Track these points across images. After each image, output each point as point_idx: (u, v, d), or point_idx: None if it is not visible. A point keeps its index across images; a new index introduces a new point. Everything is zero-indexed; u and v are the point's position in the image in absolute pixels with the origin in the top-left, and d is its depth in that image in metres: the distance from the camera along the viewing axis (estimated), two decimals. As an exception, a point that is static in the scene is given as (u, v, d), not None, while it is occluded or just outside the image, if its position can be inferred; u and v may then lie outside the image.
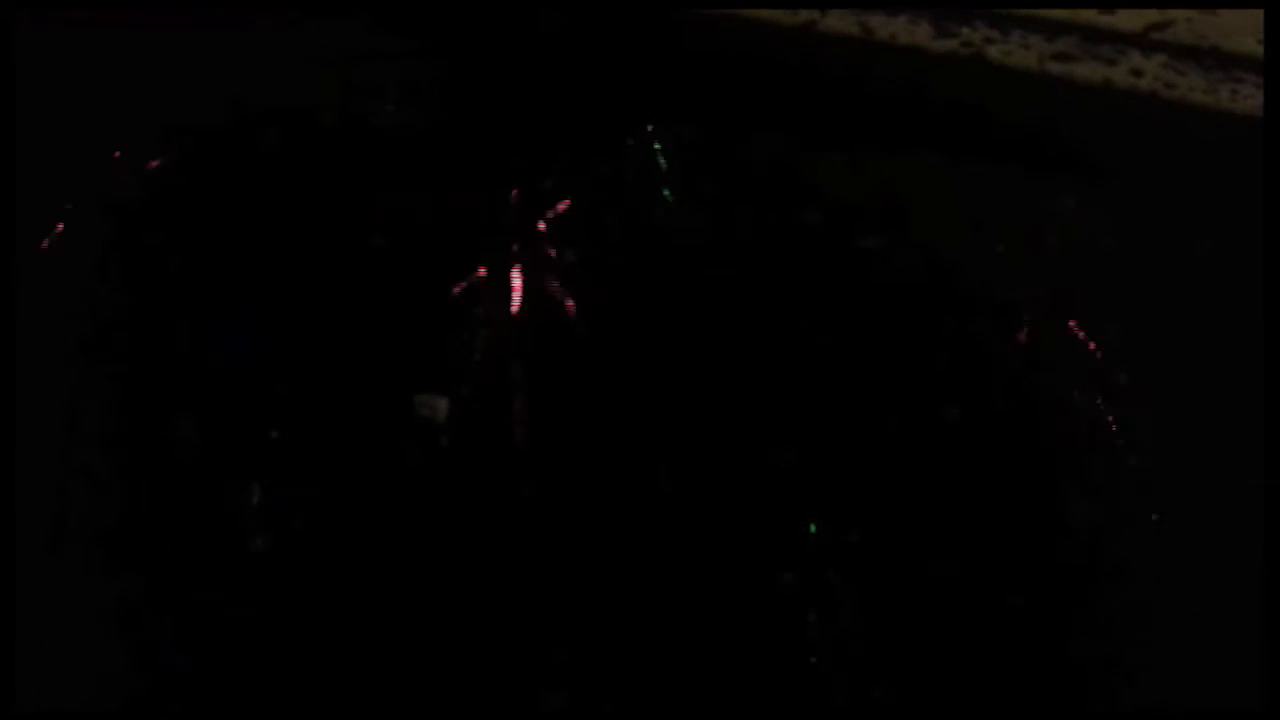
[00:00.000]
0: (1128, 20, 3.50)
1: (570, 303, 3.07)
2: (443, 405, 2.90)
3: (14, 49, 2.96)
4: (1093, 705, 2.41)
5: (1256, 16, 3.49)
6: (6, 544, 2.43)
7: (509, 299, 3.13)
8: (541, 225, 3.19)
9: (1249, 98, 3.29)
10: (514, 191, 3.25)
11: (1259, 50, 3.40)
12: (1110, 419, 3.00)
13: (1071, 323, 3.10)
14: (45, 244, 3.14)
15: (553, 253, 3.09)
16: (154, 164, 3.39)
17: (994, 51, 3.43)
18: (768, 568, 2.67)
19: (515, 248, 3.19)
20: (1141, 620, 2.53)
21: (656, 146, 3.37)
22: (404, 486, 2.85)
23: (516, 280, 3.12)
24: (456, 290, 3.13)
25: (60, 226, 3.20)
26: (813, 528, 2.75)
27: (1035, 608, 2.59)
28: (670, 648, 2.50)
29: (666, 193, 3.32)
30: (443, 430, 3.02)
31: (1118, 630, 2.53)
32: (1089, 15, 3.52)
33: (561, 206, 3.26)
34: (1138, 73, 3.37)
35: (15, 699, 2.24)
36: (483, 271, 3.15)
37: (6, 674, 2.22)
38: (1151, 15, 3.49)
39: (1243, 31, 3.47)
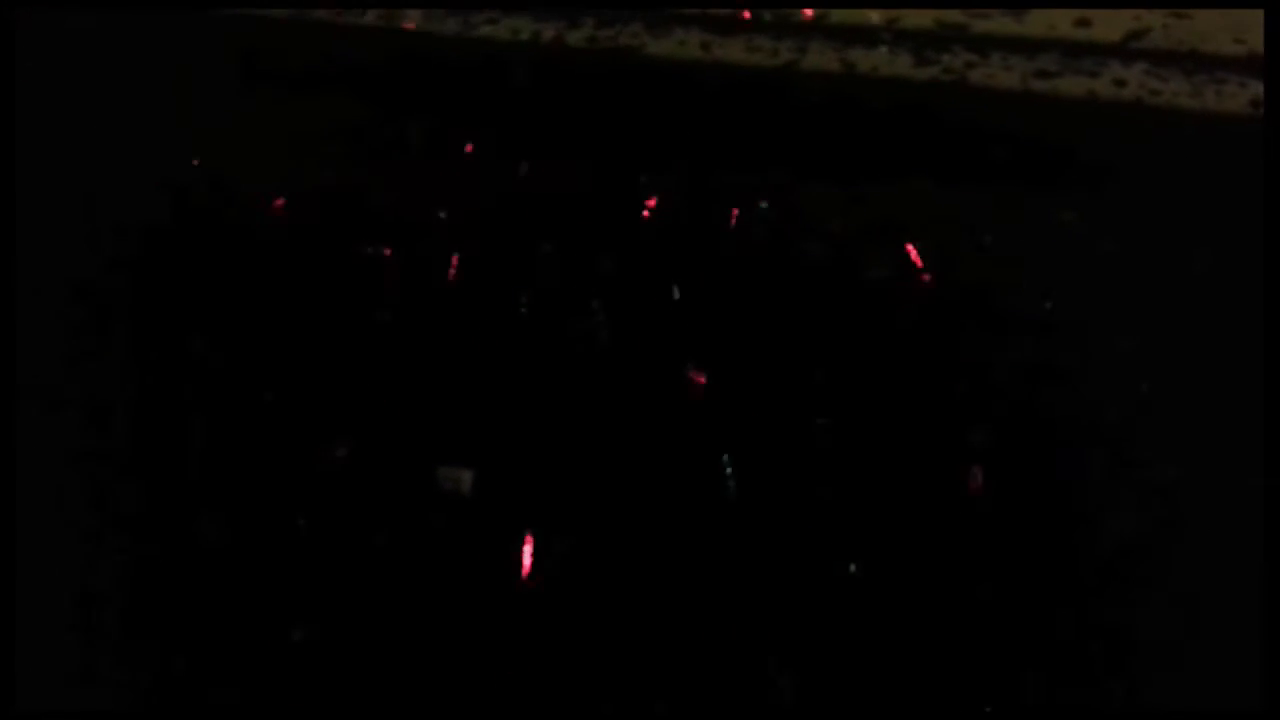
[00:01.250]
0: (1105, 32, 3.54)
1: (586, 362, 3.07)
2: (467, 477, 2.90)
3: (14, 49, 2.96)
4: (1093, 705, 2.41)
5: (1231, 17, 3.54)
6: (6, 544, 2.44)
7: (526, 363, 3.12)
8: (548, 285, 3.19)
9: (1233, 97, 3.32)
10: (517, 256, 3.24)
11: (1237, 50, 3.44)
12: (1123, 428, 3.01)
13: (1080, 334, 3.12)
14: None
15: (561, 314, 3.08)
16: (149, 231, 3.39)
17: (976, 75, 3.46)
18: (806, 594, 2.66)
19: (524, 309, 3.18)
20: (1141, 620, 2.53)
21: (653, 193, 3.37)
22: (431, 561, 2.83)
23: (532, 345, 3.12)
24: (469, 355, 3.13)
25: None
26: (852, 567, 2.75)
27: (1035, 608, 2.59)
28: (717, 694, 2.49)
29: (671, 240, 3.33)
30: (468, 502, 3.00)
31: (1117, 630, 2.54)
32: (1067, 30, 3.55)
33: (562, 265, 3.26)
34: (1120, 83, 3.40)
35: (15, 699, 2.24)
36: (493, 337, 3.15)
37: (6, 674, 2.22)
38: (1128, 24, 3.53)
39: (1219, 33, 3.51)
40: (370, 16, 3.86)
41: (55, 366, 2.94)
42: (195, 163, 3.61)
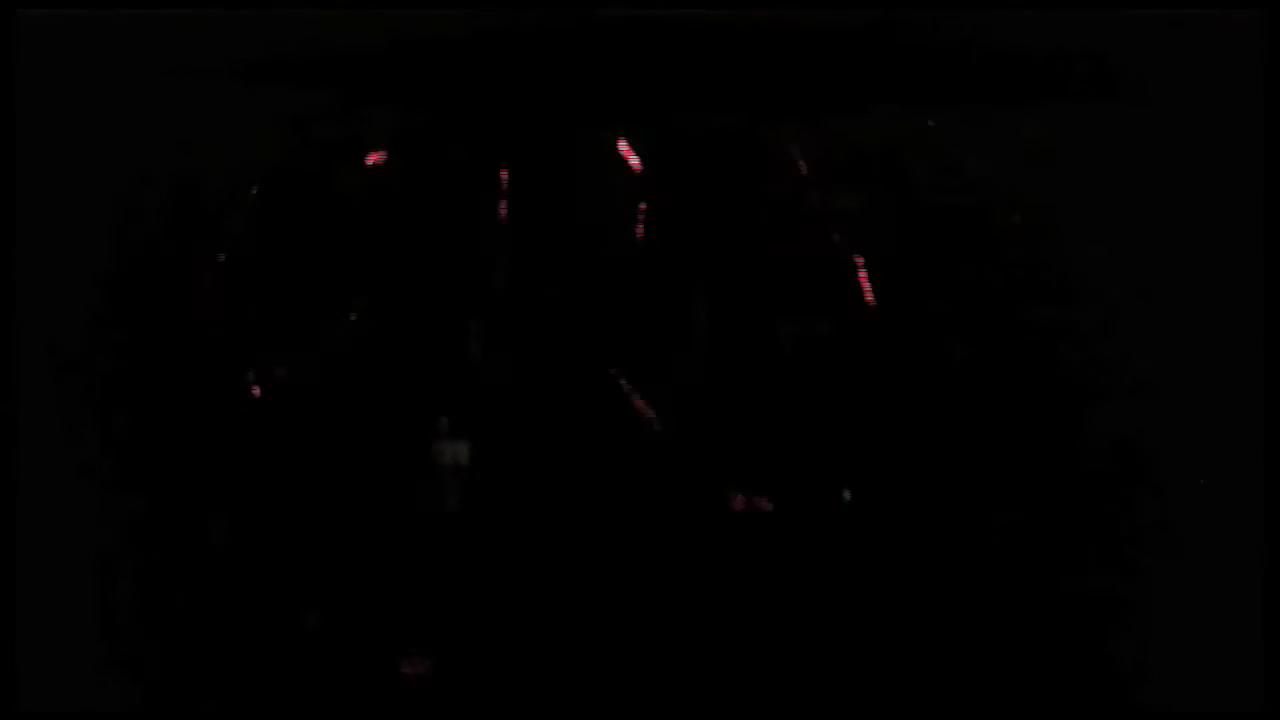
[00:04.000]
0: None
1: (570, 321, 3.05)
2: (464, 450, 2.88)
3: (14, 49, 2.94)
4: (1095, 706, 2.33)
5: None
6: (6, 543, 2.40)
7: (511, 331, 3.10)
8: (531, 252, 3.16)
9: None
10: (499, 222, 3.20)
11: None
12: (1102, 332, 3.00)
13: (1059, 244, 3.10)
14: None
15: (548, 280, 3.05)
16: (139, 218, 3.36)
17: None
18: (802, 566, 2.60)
19: (505, 281, 3.16)
20: (1143, 620, 2.44)
21: (629, 144, 3.33)
22: (439, 531, 2.80)
23: (517, 314, 3.09)
24: (455, 336, 3.10)
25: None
26: (847, 494, 2.70)
27: (1037, 608, 2.48)
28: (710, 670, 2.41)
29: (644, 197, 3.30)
30: (468, 473, 2.98)
31: (1120, 630, 2.45)
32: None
33: (541, 229, 3.24)
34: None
35: (16, 699, 2.21)
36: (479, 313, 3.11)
37: (7, 674, 2.19)
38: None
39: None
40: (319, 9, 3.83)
41: (55, 359, 2.90)
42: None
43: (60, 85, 3.55)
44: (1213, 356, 2.82)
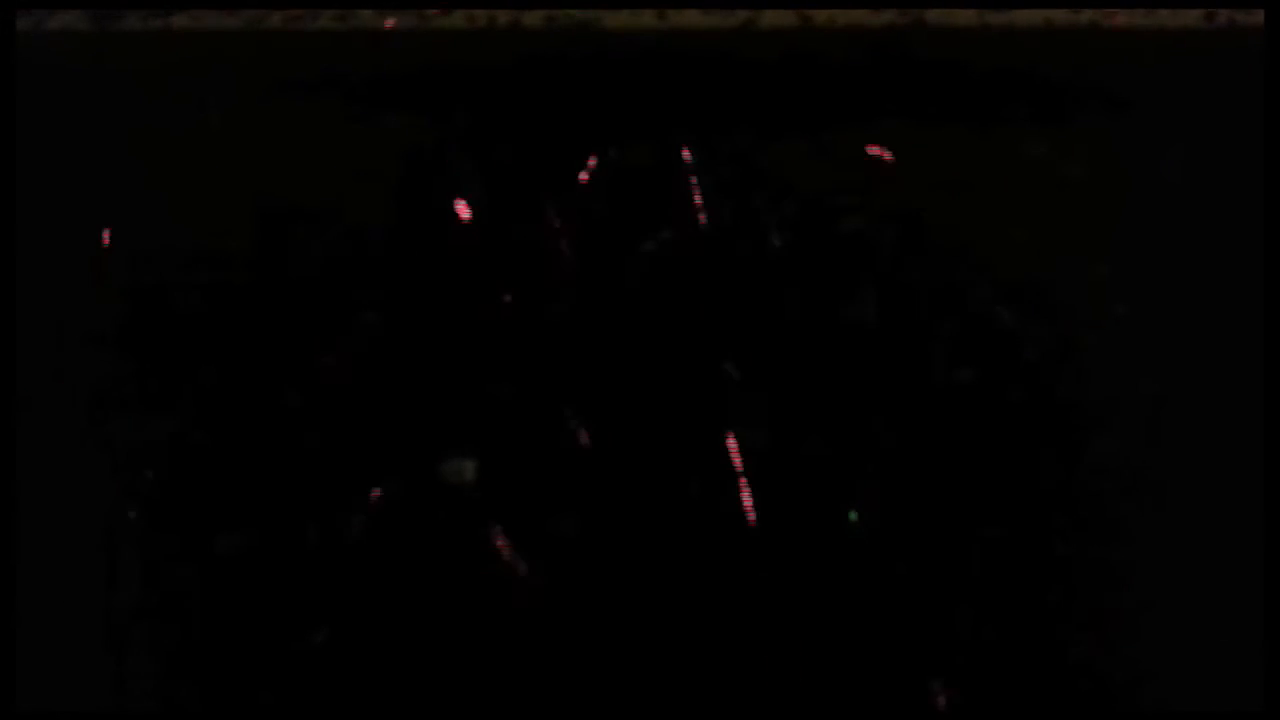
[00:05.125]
0: (1056, -41, 3.55)
1: (575, 335, 3.08)
2: (470, 467, 2.91)
3: (14, 49, 2.96)
4: (1095, 706, 2.37)
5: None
6: (6, 544, 2.44)
7: (515, 348, 3.14)
8: (534, 265, 3.20)
9: (1187, 13, 3.33)
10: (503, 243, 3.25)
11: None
12: (1102, 350, 3.02)
13: (1057, 263, 3.12)
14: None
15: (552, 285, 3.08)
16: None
17: (933, 15, 3.47)
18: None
19: (509, 297, 3.19)
20: (1143, 620, 2.48)
21: (627, 162, 3.38)
22: (445, 551, 2.84)
23: (517, 328, 3.13)
24: (465, 351, 3.14)
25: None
26: (851, 515, 2.75)
27: (1036, 609, 2.53)
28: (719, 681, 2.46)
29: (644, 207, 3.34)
30: (473, 491, 3.01)
31: (1120, 630, 2.49)
32: (1017, -38, 3.55)
33: (549, 240, 3.28)
34: (1076, 9, 3.41)
35: (15, 699, 2.25)
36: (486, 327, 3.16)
37: (7, 674, 2.23)
38: (1078, -50, 3.53)
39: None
40: (325, 19, 3.86)
41: (57, 368, 2.95)
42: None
43: (65, 95, 3.56)
44: (1213, 364, 2.86)
